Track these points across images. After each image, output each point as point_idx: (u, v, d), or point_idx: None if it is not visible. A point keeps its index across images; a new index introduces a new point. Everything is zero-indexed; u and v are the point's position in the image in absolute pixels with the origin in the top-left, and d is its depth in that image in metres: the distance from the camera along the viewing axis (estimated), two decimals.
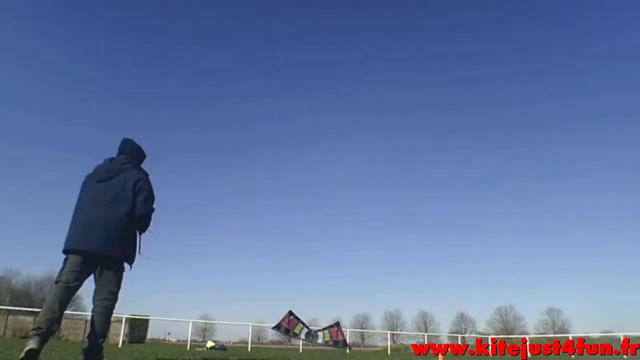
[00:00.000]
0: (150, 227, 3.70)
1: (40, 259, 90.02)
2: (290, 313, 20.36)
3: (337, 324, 21.96)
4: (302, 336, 20.69)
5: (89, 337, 3.32)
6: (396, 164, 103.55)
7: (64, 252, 3.34)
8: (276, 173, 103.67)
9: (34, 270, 78.44)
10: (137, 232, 3.67)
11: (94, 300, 3.42)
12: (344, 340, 21.42)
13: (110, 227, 3.35)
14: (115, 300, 3.42)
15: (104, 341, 3.35)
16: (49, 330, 3.06)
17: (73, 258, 3.30)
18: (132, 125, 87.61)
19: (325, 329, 21.65)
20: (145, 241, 3.74)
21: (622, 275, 79.81)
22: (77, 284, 3.27)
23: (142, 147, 3.92)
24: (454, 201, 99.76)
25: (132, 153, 3.82)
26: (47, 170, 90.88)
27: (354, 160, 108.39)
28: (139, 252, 3.69)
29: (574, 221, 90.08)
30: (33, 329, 3.05)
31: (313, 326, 22.77)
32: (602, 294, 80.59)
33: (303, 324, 20.73)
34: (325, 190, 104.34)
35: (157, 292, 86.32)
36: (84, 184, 3.61)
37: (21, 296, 54.89)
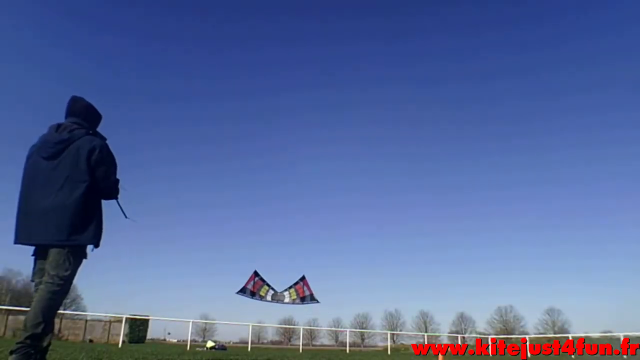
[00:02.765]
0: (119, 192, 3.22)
1: None
2: (256, 274, 19.70)
3: (302, 278, 21.17)
4: (268, 298, 20.22)
5: (24, 324, 2.71)
6: (396, 165, 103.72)
7: (17, 244, 2.94)
8: (276, 173, 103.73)
9: None
10: (107, 201, 3.17)
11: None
12: (311, 295, 20.81)
13: (69, 210, 2.83)
14: (59, 284, 2.79)
15: (40, 335, 2.67)
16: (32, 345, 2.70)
17: (38, 259, 2.94)
18: (131, 124, 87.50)
19: (290, 287, 20.99)
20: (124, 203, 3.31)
21: (622, 275, 79.84)
22: None
23: (96, 107, 3.23)
24: (454, 201, 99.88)
25: (83, 115, 3.12)
26: None
27: (353, 162, 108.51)
28: (125, 217, 3.28)
29: (574, 221, 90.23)
30: (16, 344, 2.71)
31: (280, 288, 21.84)
32: (602, 294, 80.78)
33: (269, 285, 20.20)
34: (326, 191, 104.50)
35: (157, 292, 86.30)
36: (28, 160, 3.02)
37: (21, 296, 54.79)
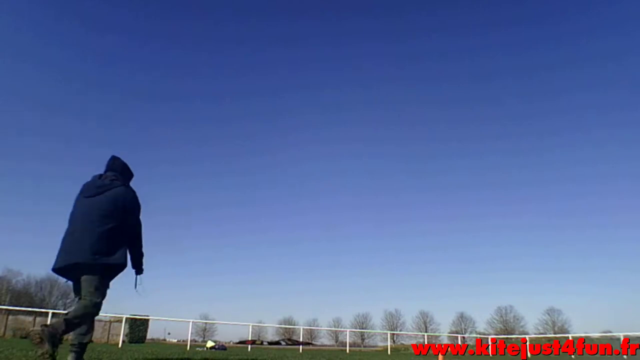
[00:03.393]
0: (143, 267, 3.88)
1: (40, 259, 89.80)
2: None
3: None
4: None
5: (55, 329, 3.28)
6: (396, 164, 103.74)
7: (54, 270, 3.47)
8: (276, 174, 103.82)
9: (34, 271, 78.21)
10: (134, 272, 3.82)
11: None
12: None
13: (100, 238, 3.42)
14: (95, 303, 3.38)
15: (84, 340, 3.46)
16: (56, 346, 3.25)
17: (73, 278, 3.50)
18: (133, 119, 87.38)
19: None
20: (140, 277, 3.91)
21: (622, 275, 79.90)
22: None
23: (129, 165, 3.97)
24: (454, 201, 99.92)
25: (119, 170, 3.86)
26: (47, 170, 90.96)
27: (353, 163, 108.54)
28: (135, 288, 3.88)
29: (574, 221, 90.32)
30: (71, 345, 3.42)
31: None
32: (602, 294, 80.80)
33: None
34: (326, 191, 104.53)
35: (157, 292, 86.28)
36: (75, 202, 3.69)
37: (21, 296, 54.86)
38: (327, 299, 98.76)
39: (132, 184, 3.99)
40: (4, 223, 75.43)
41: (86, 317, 3.37)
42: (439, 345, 34.75)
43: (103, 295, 3.46)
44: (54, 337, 3.04)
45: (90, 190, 3.65)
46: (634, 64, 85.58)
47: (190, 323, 23.28)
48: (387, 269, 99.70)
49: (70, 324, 3.20)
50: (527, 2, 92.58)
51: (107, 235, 3.47)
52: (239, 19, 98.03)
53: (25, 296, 55.28)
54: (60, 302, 59.83)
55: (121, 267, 3.56)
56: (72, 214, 3.62)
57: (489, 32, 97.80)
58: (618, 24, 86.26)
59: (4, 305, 39.47)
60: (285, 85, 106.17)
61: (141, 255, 3.85)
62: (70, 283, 3.63)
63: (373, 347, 68.15)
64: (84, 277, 3.41)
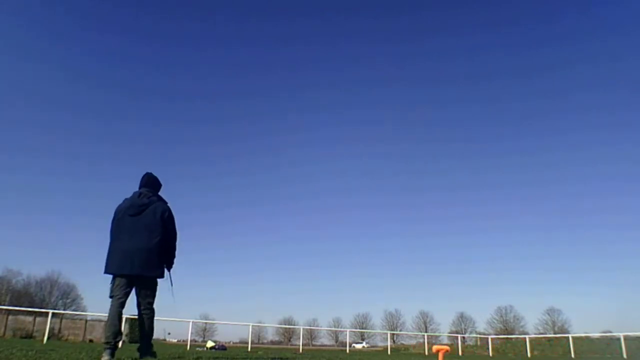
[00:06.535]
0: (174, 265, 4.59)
1: (40, 259, 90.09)
2: None
3: None
4: None
5: (141, 338, 4.25)
6: (395, 164, 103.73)
7: (109, 274, 4.14)
8: (277, 174, 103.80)
9: (34, 270, 78.56)
10: (166, 269, 4.45)
11: (138, 308, 4.26)
12: None
13: (149, 253, 4.15)
14: (153, 308, 4.29)
15: (151, 340, 4.31)
16: (116, 341, 3.91)
17: (120, 279, 4.10)
18: (135, 118, 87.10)
19: None
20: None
21: (622, 275, 79.84)
22: (126, 299, 4.12)
23: (158, 178, 4.66)
24: (454, 201, 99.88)
25: (152, 185, 4.55)
26: (47, 171, 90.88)
27: (353, 163, 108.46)
28: (171, 290, 4.56)
29: (574, 221, 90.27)
30: (104, 343, 3.92)
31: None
32: (602, 294, 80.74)
33: None
34: (326, 191, 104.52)
35: (157, 292, 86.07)
36: (118, 216, 4.31)
37: (21, 296, 54.80)
38: (327, 299, 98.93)
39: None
40: (4, 223, 75.46)
41: (152, 322, 4.28)
42: (439, 345, 34.64)
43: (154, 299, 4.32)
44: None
45: (134, 209, 4.28)
46: (633, 64, 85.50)
47: (190, 323, 23.30)
48: (387, 269, 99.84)
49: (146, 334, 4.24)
50: (525, 2, 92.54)
51: (154, 249, 4.18)
52: (239, 18, 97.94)
53: (25, 296, 55.21)
54: (60, 302, 59.79)
55: (160, 277, 4.35)
56: (119, 229, 4.23)
57: (491, 31, 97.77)
58: (617, 24, 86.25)
59: (4, 305, 39.42)
60: (283, 85, 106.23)
61: (174, 257, 4.54)
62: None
63: (373, 347, 68.16)
64: (143, 288, 4.21)
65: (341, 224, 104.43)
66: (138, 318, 4.28)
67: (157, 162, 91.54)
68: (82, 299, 60.18)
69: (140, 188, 4.50)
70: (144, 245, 4.13)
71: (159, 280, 4.36)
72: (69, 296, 60.78)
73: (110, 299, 4.09)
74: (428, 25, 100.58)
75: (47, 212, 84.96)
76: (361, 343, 63.02)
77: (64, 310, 53.63)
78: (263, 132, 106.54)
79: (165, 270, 4.42)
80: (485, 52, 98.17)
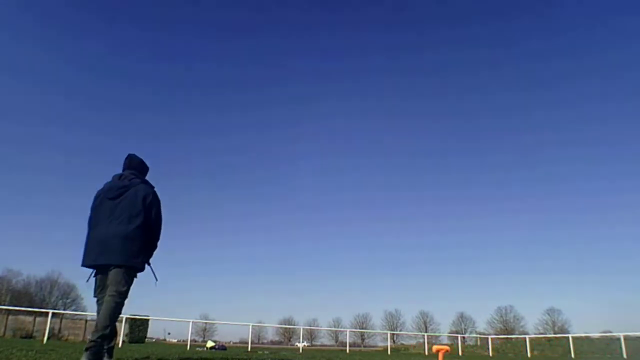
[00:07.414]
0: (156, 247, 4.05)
1: (40, 259, 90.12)
2: None
3: None
4: None
5: (95, 330, 3.41)
6: (395, 163, 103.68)
7: (85, 266, 3.72)
8: (277, 173, 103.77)
9: (34, 270, 78.76)
10: (147, 263, 3.94)
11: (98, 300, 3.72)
12: None
13: (127, 240, 3.67)
14: (120, 297, 3.58)
15: (109, 336, 3.51)
16: (102, 343, 3.47)
17: (99, 279, 3.72)
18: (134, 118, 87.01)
19: None
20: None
21: (622, 275, 79.87)
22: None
23: (145, 160, 4.18)
24: (454, 201, 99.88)
25: (137, 168, 4.07)
26: (47, 171, 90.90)
27: (353, 162, 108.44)
28: (155, 280, 4.01)
29: (574, 221, 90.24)
30: (89, 342, 3.36)
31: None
32: (602, 294, 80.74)
33: None
34: (326, 191, 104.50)
35: (157, 292, 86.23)
36: (97, 200, 3.88)
37: (21, 296, 54.83)
38: (327, 299, 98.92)
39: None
40: (4, 223, 75.50)
41: (113, 311, 3.52)
42: (439, 345, 34.63)
43: (128, 289, 3.67)
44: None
45: (113, 192, 3.83)
46: (634, 64, 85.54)
47: (190, 323, 23.30)
48: (387, 269, 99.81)
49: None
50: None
51: (133, 235, 3.70)
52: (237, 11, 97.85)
53: (25, 296, 55.25)
54: (60, 302, 59.88)
55: (141, 270, 3.83)
56: (97, 215, 3.80)
57: (488, 26, 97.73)
58: (618, 23, 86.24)
59: (4, 305, 39.45)
60: (281, 76, 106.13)
61: (155, 247, 4.00)
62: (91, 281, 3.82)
63: (373, 347, 68.18)
64: (111, 274, 3.61)
65: (341, 224, 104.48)
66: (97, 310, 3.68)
67: (162, 160, 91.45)
68: (82, 299, 60.25)
69: (123, 171, 4.04)
70: (121, 231, 3.65)
71: (139, 274, 3.85)
72: (69, 296, 60.94)
73: (96, 301, 3.71)
74: (430, 16, 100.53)
75: (48, 212, 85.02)
76: (303, 342, 63.26)
77: (64, 310, 53.73)
78: (263, 132, 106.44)
79: (147, 265, 3.93)
80: (485, 49, 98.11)
